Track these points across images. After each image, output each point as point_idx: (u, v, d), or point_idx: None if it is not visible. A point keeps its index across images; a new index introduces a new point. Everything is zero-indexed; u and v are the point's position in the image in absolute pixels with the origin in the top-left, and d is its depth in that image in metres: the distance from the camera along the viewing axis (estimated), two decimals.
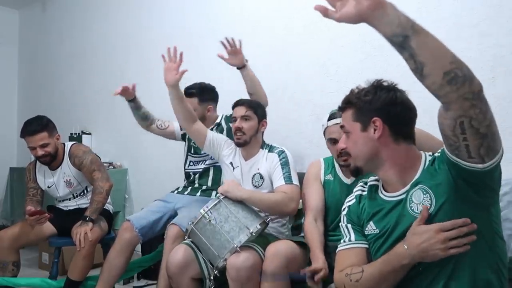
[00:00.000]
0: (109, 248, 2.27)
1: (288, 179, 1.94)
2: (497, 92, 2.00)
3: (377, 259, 1.15)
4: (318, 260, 1.63)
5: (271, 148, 2.08)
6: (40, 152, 2.41)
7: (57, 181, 2.55)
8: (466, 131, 0.94)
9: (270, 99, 2.40)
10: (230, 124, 2.30)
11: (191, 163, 2.51)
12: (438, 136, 1.08)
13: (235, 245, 1.68)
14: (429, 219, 1.07)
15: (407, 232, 1.09)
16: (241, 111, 2.05)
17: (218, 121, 2.48)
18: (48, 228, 2.46)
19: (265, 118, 2.12)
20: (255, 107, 2.08)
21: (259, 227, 1.75)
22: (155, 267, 2.52)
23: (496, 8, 2.06)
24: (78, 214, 2.44)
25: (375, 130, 1.17)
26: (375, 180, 1.29)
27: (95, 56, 4.15)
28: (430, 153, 1.19)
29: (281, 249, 1.69)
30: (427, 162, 1.16)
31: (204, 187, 2.44)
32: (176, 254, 1.86)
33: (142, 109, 2.52)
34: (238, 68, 2.18)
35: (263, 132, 2.14)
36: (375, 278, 1.11)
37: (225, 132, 2.41)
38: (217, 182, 2.40)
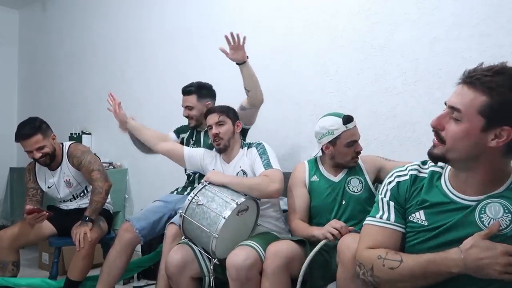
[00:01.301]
0: (109, 248, 2.27)
1: (267, 165, 1.97)
2: None
3: (417, 254, 1.07)
4: (321, 229, 1.73)
5: (250, 145, 2.13)
6: (37, 154, 2.40)
7: (57, 182, 2.54)
8: None
9: (270, 99, 2.40)
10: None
11: None
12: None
13: (224, 216, 1.73)
14: (502, 238, 1.00)
15: (466, 240, 1.00)
16: (214, 118, 2.10)
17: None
18: (48, 228, 2.46)
19: (238, 119, 2.17)
20: (226, 111, 2.14)
21: (243, 199, 1.81)
22: (155, 267, 2.52)
23: (496, 8, 2.06)
24: (78, 214, 2.44)
25: (495, 137, 0.99)
26: (439, 167, 1.15)
27: (95, 56, 4.15)
28: None
29: (281, 249, 1.69)
30: None
31: None
32: (175, 254, 1.87)
33: (141, 136, 2.46)
34: (237, 64, 2.20)
35: (240, 132, 2.18)
36: (414, 273, 1.03)
37: None
38: None
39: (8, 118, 4.77)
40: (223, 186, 1.90)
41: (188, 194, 2.40)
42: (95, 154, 2.68)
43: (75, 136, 3.91)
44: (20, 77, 5.02)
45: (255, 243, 1.77)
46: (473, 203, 1.06)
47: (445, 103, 1.07)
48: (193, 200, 1.83)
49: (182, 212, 1.83)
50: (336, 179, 1.95)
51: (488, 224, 1.02)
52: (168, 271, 1.86)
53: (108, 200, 2.66)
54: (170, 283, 1.92)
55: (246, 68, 2.19)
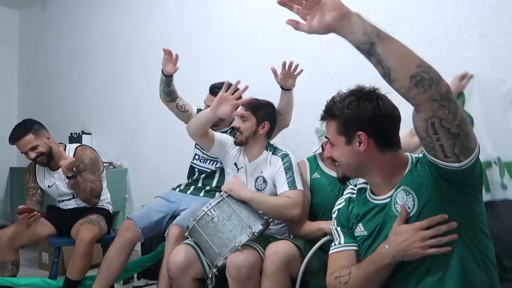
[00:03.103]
0: None
1: (292, 185, 1.91)
2: None
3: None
4: (329, 222, 1.69)
5: (275, 150, 2.06)
6: (32, 155, 2.41)
7: (58, 182, 2.54)
8: (438, 131, 0.97)
9: (269, 99, 2.38)
10: None
11: (198, 157, 2.49)
12: None
13: (237, 244, 1.69)
14: (413, 220, 1.10)
15: (389, 232, 1.12)
16: (240, 110, 2.06)
17: (234, 124, 2.47)
18: (48, 227, 2.46)
19: (267, 120, 2.08)
20: (255, 108, 2.06)
21: (261, 227, 1.76)
22: (155, 267, 2.52)
23: (496, 9, 2.06)
24: (77, 213, 2.45)
25: (360, 143, 1.18)
26: (364, 183, 1.31)
27: (95, 56, 4.15)
28: (416, 156, 1.21)
29: (281, 249, 1.69)
30: (412, 165, 1.18)
31: (207, 188, 2.42)
32: (177, 255, 1.85)
33: (172, 87, 2.43)
34: (282, 88, 2.20)
35: (265, 133, 2.09)
36: (361, 278, 1.15)
37: None
38: (222, 183, 2.38)
39: (8, 118, 4.76)
40: (243, 201, 1.83)
41: (192, 193, 2.41)
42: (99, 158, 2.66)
43: (75, 136, 3.90)
44: (20, 77, 5.02)
45: (255, 243, 1.77)
46: (388, 200, 1.18)
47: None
48: (208, 213, 1.76)
49: (194, 221, 1.77)
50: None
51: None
52: (170, 272, 1.85)
53: (108, 200, 2.67)
54: (171, 284, 1.90)
55: (288, 95, 2.20)
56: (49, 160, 2.48)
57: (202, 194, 2.39)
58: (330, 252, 1.32)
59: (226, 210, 1.77)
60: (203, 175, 2.45)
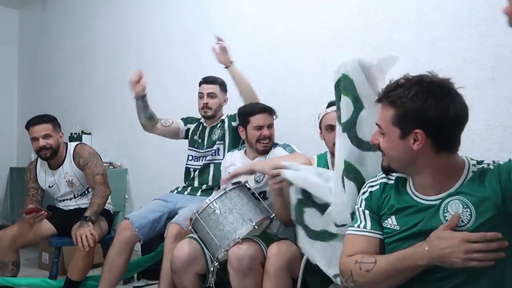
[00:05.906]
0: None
1: (291, 151, 2.00)
2: (497, 92, 2.00)
3: (390, 253, 1.12)
4: None
5: (275, 145, 2.13)
6: (42, 142, 2.43)
7: (58, 181, 2.55)
8: None
9: (270, 99, 2.38)
10: (233, 124, 2.37)
11: (191, 158, 2.52)
12: None
13: (237, 237, 1.70)
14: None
15: (431, 234, 1.05)
16: (268, 119, 2.08)
17: (223, 117, 2.50)
18: (48, 227, 2.46)
19: None
20: (274, 113, 2.13)
21: (262, 221, 1.77)
22: (155, 267, 2.52)
23: (496, 9, 2.05)
24: (78, 214, 2.44)
25: (415, 140, 1.08)
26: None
27: (95, 56, 4.15)
28: (475, 161, 1.13)
29: (283, 249, 1.70)
30: (470, 172, 1.10)
31: (204, 187, 2.43)
32: (182, 249, 1.86)
33: (150, 109, 2.51)
34: (225, 68, 2.30)
35: None
36: (387, 272, 1.08)
37: (226, 129, 2.43)
38: (218, 179, 2.39)
39: (8, 118, 4.77)
40: (243, 194, 1.83)
41: (189, 194, 2.42)
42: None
43: (75, 136, 3.90)
44: (20, 77, 5.02)
45: (256, 237, 1.79)
46: (436, 202, 1.11)
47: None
48: (211, 205, 1.77)
49: (196, 213, 1.79)
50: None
51: None
52: (174, 266, 1.86)
53: (108, 200, 2.67)
54: (173, 278, 1.90)
55: (233, 72, 2.31)
56: (51, 156, 2.49)
57: (199, 193, 2.40)
58: (349, 232, 1.24)
59: (228, 203, 1.79)
60: (197, 172, 2.47)
